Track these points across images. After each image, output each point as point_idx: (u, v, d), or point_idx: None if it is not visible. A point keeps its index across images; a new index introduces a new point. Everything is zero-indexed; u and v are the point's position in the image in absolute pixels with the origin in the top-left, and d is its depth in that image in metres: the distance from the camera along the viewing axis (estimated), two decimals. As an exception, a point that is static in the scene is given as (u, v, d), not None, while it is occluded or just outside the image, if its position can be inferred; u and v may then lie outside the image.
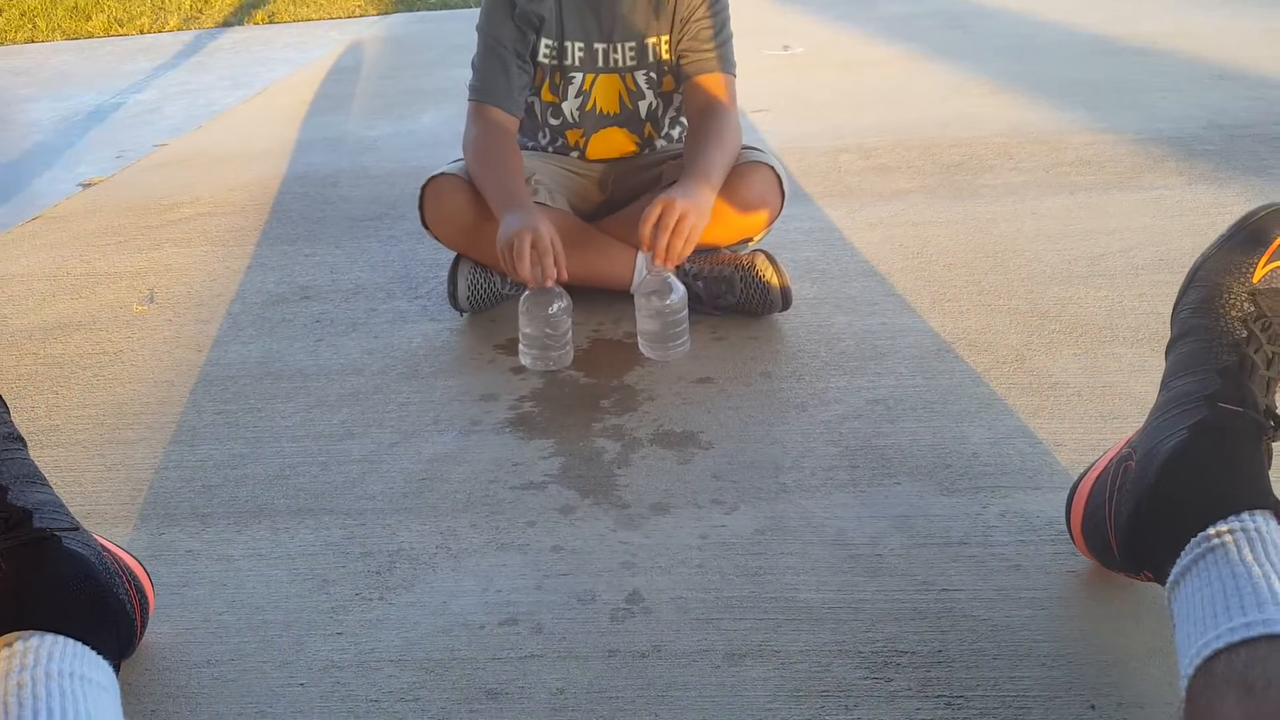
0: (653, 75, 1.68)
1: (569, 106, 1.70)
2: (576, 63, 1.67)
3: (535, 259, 1.43)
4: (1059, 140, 2.42)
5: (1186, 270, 0.96)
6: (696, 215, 1.44)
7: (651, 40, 1.65)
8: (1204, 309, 0.91)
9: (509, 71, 1.64)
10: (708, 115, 1.60)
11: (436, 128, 2.98)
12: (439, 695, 0.91)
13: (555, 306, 1.46)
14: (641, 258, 1.61)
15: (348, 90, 3.67)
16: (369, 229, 2.17)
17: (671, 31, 1.65)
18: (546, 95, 1.70)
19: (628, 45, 1.66)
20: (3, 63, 5.00)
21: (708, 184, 1.51)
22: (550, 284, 1.44)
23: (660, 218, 1.43)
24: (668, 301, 1.47)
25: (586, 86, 1.69)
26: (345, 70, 4.06)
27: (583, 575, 1.06)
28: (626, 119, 1.72)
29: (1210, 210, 1.91)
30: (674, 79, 1.70)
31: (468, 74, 1.69)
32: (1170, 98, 2.71)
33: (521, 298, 1.48)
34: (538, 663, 0.94)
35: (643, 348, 1.52)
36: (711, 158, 1.54)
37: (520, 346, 1.51)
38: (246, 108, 3.54)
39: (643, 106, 1.71)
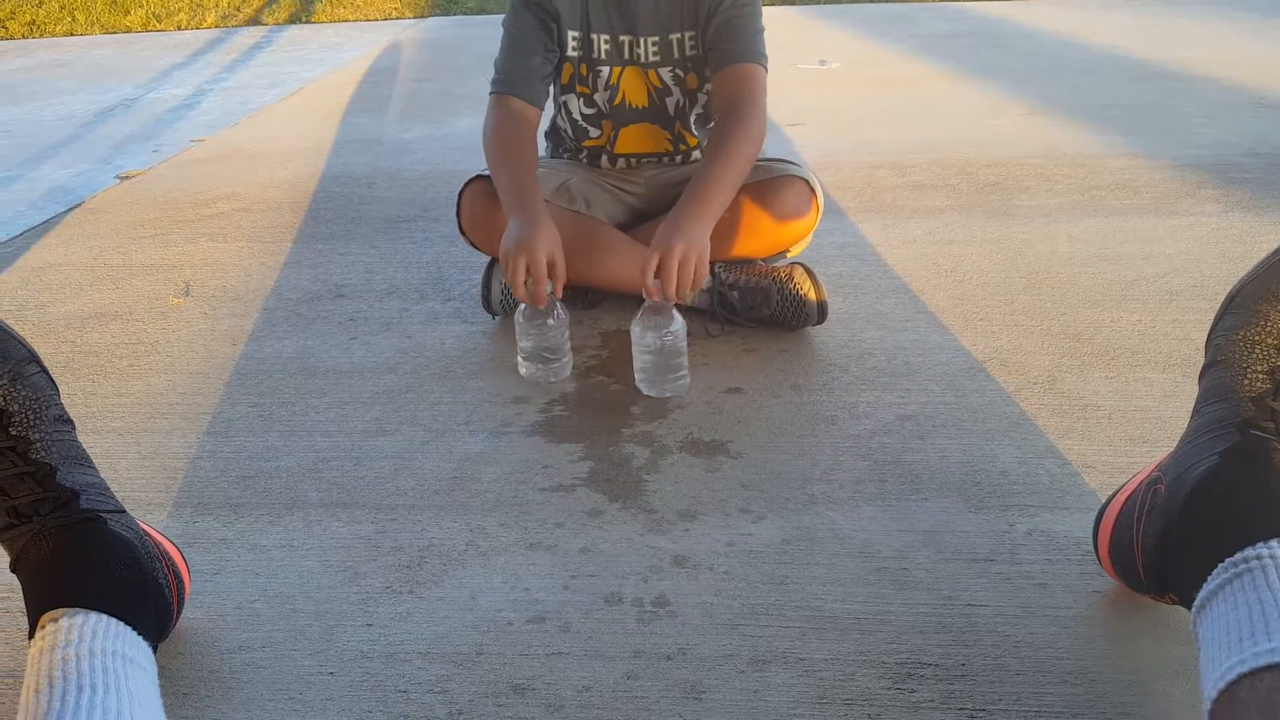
0: (678, 73, 1.67)
1: (600, 98, 1.71)
2: (603, 55, 1.67)
3: (531, 279, 1.42)
4: (1095, 163, 2.41)
5: (1221, 297, 0.96)
6: (697, 254, 1.40)
7: (675, 36, 1.64)
8: (1238, 336, 0.91)
9: (530, 62, 1.63)
10: (728, 118, 1.57)
11: (471, 132, 3.01)
12: (466, 688, 0.92)
13: (548, 321, 1.47)
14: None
15: (384, 92, 3.70)
16: (403, 230, 2.19)
17: (698, 27, 1.63)
18: (580, 89, 1.71)
19: (651, 40, 1.65)
20: (42, 54, 5.07)
21: (707, 211, 1.45)
22: (543, 305, 1.44)
23: (661, 267, 1.39)
24: (666, 334, 1.42)
25: (614, 80, 1.69)
26: (381, 72, 4.10)
27: (610, 577, 1.07)
28: (655, 115, 1.72)
29: (1246, 238, 1.91)
30: (698, 78, 1.68)
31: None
32: (1209, 124, 2.70)
33: (517, 312, 1.48)
34: (564, 660, 0.95)
35: (639, 383, 1.48)
36: (719, 178, 1.48)
37: (518, 359, 1.51)
38: (283, 106, 3.58)
39: (670, 103, 1.70)
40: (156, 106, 3.69)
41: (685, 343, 1.45)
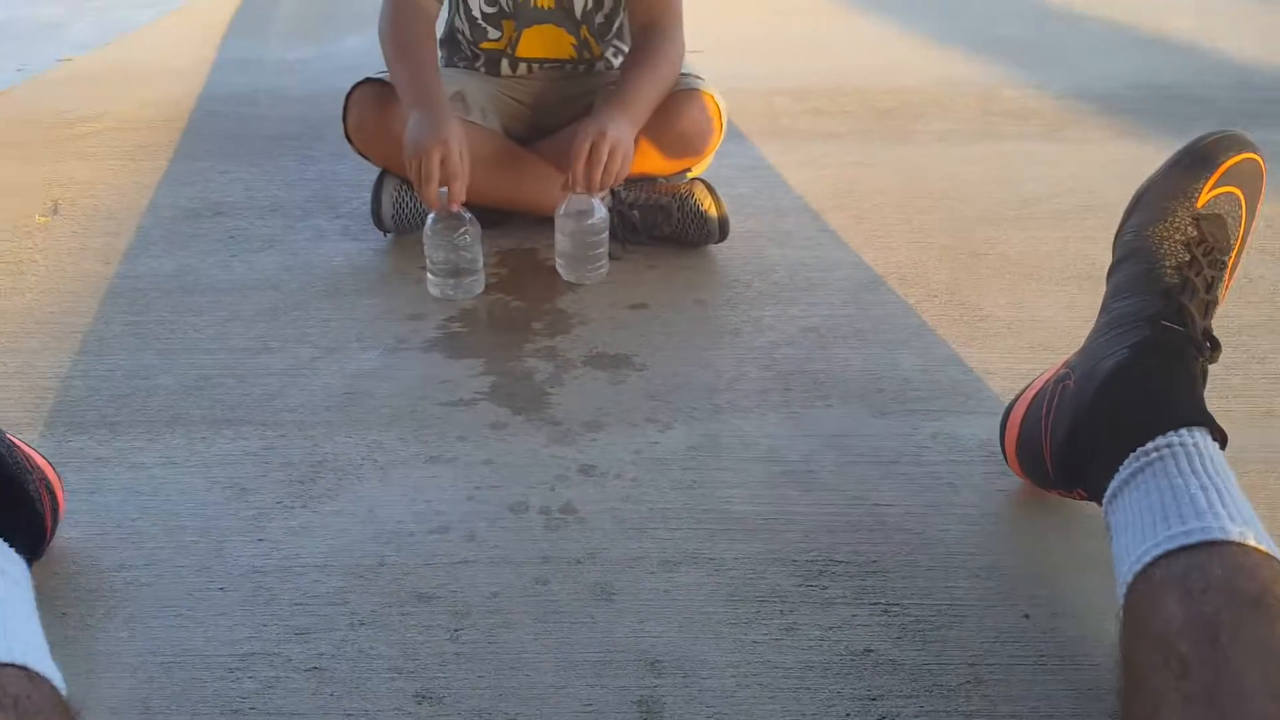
0: None
1: None
2: None
3: (442, 178, 1.36)
4: (990, 92, 2.44)
5: (1112, 215, 0.97)
6: (624, 150, 1.41)
7: None
8: (1148, 232, 0.92)
9: None
10: (649, 36, 1.55)
11: (360, 52, 2.89)
12: (368, 599, 0.89)
13: (464, 231, 1.40)
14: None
15: (266, 12, 3.53)
16: (287, 148, 2.09)
17: None
18: None
19: None
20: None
21: (633, 114, 1.46)
22: (456, 207, 1.38)
23: (591, 152, 1.39)
24: (589, 223, 1.44)
25: None
26: (263, -6, 3.91)
27: (515, 487, 1.04)
28: (561, 17, 1.64)
29: (1132, 162, 1.94)
30: None
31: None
32: (1102, 58, 2.75)
33: (427, 223, 1.41)
34: (470, 568, 0.92)
35: (560, 269, 1.49)
36: (642, 87, 1.49)
37: (428, 276, 1.45)
38: (159, 26, 3.39)
39: (577, 5, 1.63)
40: (21, 25, 3.45)
41: (607, 233, 1.47)
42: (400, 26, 1.52)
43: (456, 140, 1.37)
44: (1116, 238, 0.96)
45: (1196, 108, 2.31)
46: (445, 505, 1.02)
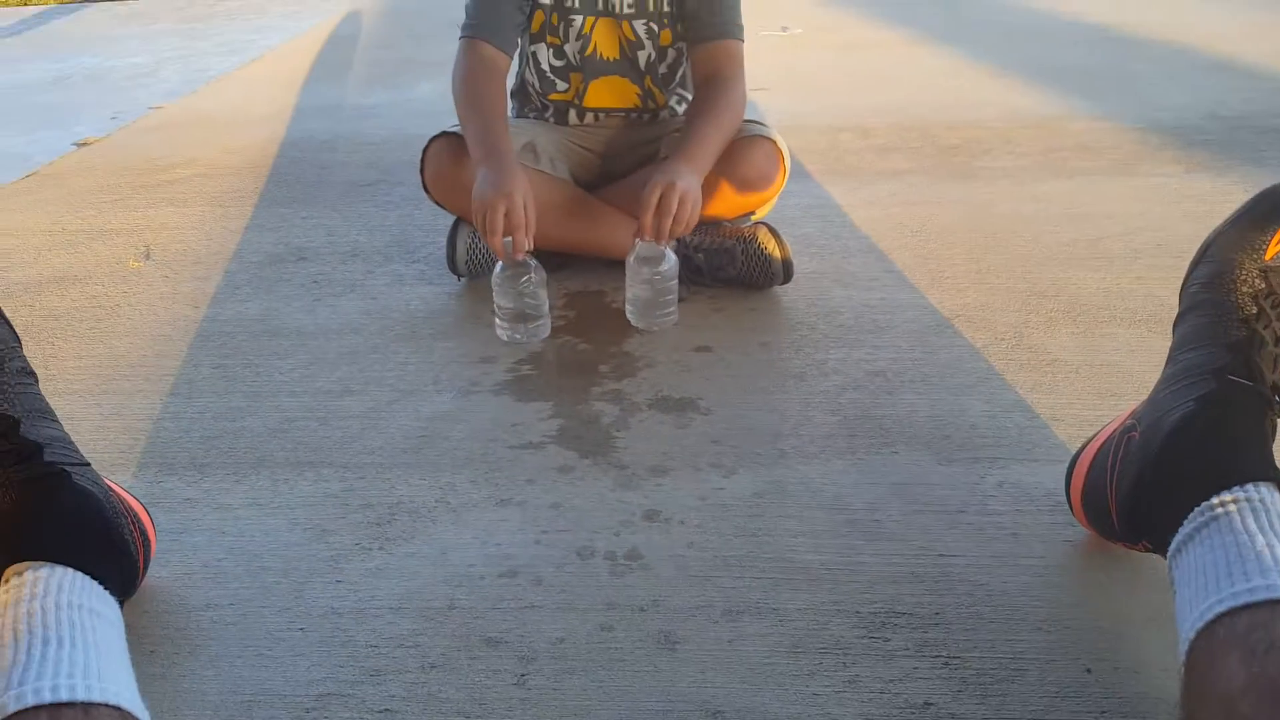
0: (652, 26, 1.66)
1: (570, 49, 1.69)
2: (576, 4, 1.65)
3: (508, 229, 1.40)
4: (1057, 126, 2.43)
5: (1186, 255, 0.96)
6: (693, 199, 1.44)
7: None
8: (1214, 284, 0.91)
9: (503, 7, 1.62)
10: (712, 86, 1.59)
11: (433, 98, 2.97)
12: (439, 642, 0.92)
13: (528, 278, 1.44)
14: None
15: (344, 59, 3.64)
16: (366, 194, 2.16)
17: None
18: (550, 39, 1.69)
19: None
20: (-5, 22, 4.95)
21: (699, 164, 1.49)
22: (521, 256, 1.43)
23: (661, 202, 1.42)
24: (659, 270, 1.47)
25: (586, 29, 1.67)
26: (341, 39, 4.04)
27: (581, 532, 1.07)
28: (626, 68, 1.70)
29: (1208, 198, 1.92)
30: (671, 34, 1.68)
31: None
32: (1169, 87, 2.72)
33: (495, 271, 1.45)
34: (537, 613, 0.95)
35: (630, 316, 1.52)
36: (707, 136, 1.53)
37: (496, 320, 1.49)
38: (242, 74, 3.52)
39: (641, 57, 1.69)
40: (114, 75, 3.61)
41: (677, 280, 1.50)
42: (472, 83, 1.58)
43: (520, 193, 1.41)
44: (1183, 289, 0.96)
45: (1270, 138, 2.27)
46: (514, 548, 1.04)
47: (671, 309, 1.51)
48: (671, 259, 1.47)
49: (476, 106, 1.55)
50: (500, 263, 1.45)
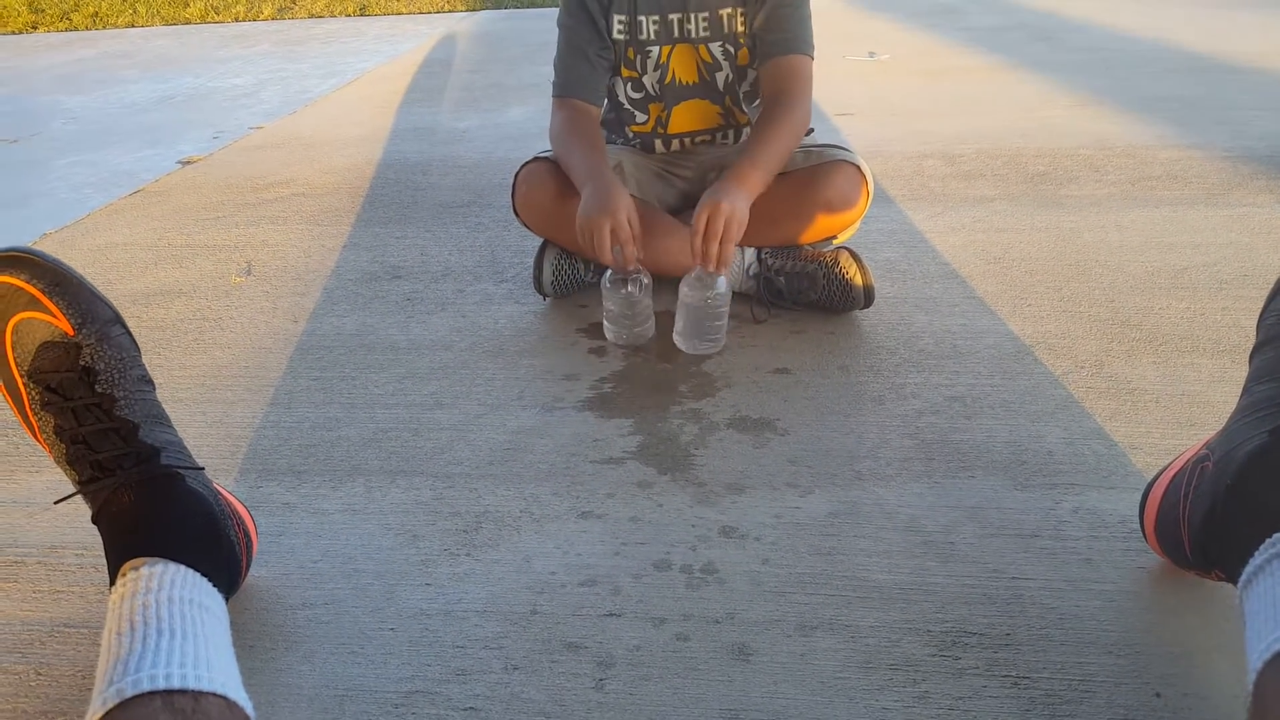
0: (728, 48, 1.70)
1: (649, 80, 1.73)
2: (651, 35, 1.69)
3: (615, 242, 1.47)
4: (1145, 154, 2.40)
5: (1273, 282, 0.96)
6: (738, 221, 1.45)
7: (725, 11, 1.67)
8: (1291, 315, 0.92)
9: (589, 61, 1.68)
10: (775, 104, 1.60)
11: (523, 121, 3.05)
12: (521, 645, 0.96)
13: (634, 286, 1.52)
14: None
15: (437, 83, 3.75)
16: (457, 215, 2.23)
17: (747, 5, 1.66)
18: (625, 72, 1.74)
19: (701, 16, 1.67)
20: (105, 45, 5.19)
21: (748, 185, 1.50)
22: (632, 267, 1.49)
23: (708, 224, 1.44)
24: (708, 295, 1.49)
25: (664, 59, 1.71)
26: (434, 63, 4.15)
27: (659, 545, 1.10)
28: (706, 90, 1.74)
29: (1300, 229, 1.90)
30: (749, 54, 1.71)
31: (551, 71, 1.74)
32: (1262, 116, 2.67)
33: (604, 277, 1.53)
34: (616, 621, 0.98)
35: (675, 337, 1.56)
36: (761, 154, 1.53)
37: (604, 322, 1.57)
38: (339, 96, 3.64)
39: (719, 79, 1.72)
40: (217, 95, 3.77)
41: (727, 308, 1.52)
42: (569, 126, 1.65)
43: (625, 209, 1.47)
44: (1260, 320, 0.96)
45: (1373, 170, 2.22)
46: (594, 559, 1.08)
47: (718, 335, 1.53)
48: (723, 284, 1.49)
49: (577, 143, 1.62)
50: (609, 270, 1.52)
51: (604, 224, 1.45)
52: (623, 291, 1.52)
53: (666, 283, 1.73)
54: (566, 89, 1.69)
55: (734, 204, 1.45)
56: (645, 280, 1.53)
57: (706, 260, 1.46)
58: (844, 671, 0.91)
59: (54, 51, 5.05)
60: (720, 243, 1.44)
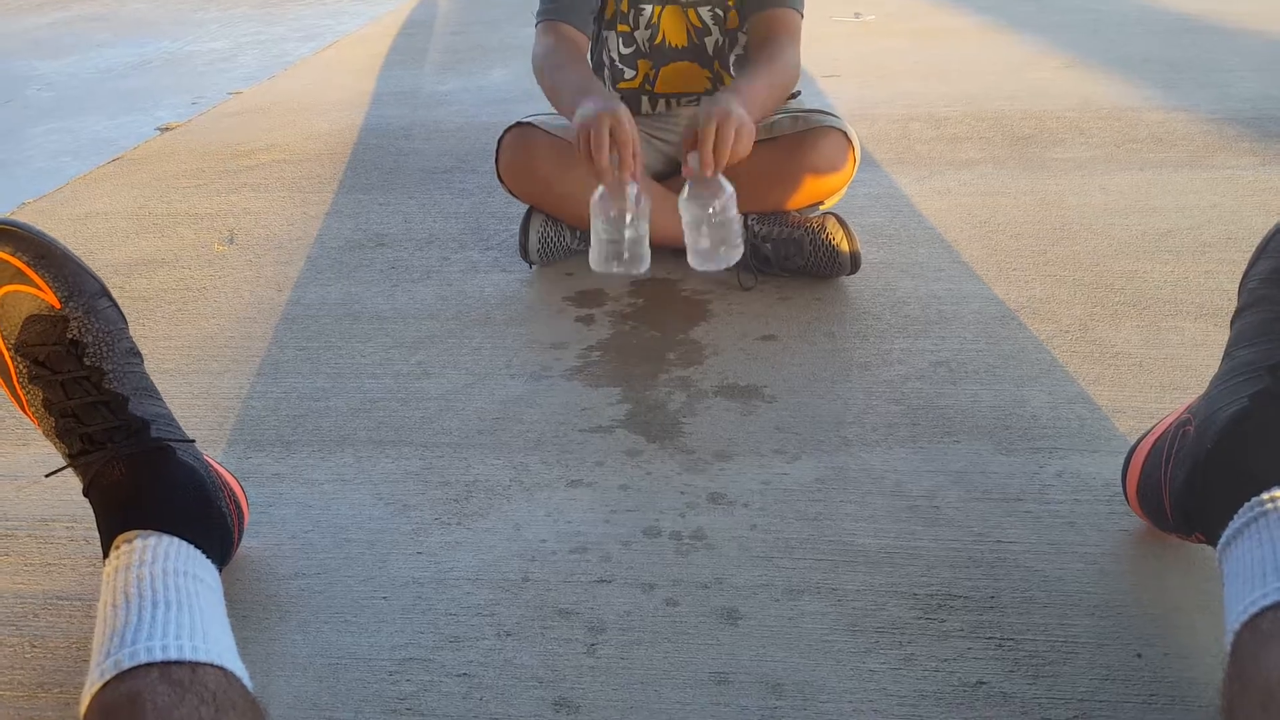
0: (718, 12, 1.69)
1: (640, 36, 1.72)
2: None
3: (613, 147, 1.36)
4: (1131, 116, 2.40)
5: (1256, 245, 0.97)
6: (750, 129, 1.39)
7: None
8: (1273, 280, 0.92)
9: None
10: (763, 48, 1.59)
11: (506, 84, 3.02)
12: (513, 611, 0.97)
13: (632, 203, 1.38)
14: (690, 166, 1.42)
15: (418, 45, 3.71)
16: (441, 181, 2.22)
17: None
18: (620, 26, 1.72)
19: None
20: (79, 8, 5.10)
21: (749, 104, 1.43)
22: (628, 176, 1.37)
23: (719, 131, 1.35)
24: (717, 201, 1.38)
25: (654, 19, 1.70)
26: (415, 25, 4.11)
27: (649, 512, 1.11)
28: (695, 54, 1.73)
29: (1282, 191, 1.91)
30: (739, 16, 1.70)
31: (534, 33, 1.71)
32: (1247, 78, 2.67)
33: (594, 195, 1.39)
34: (607, 587, 1.00)
35: (691, 261, 1.46)
36: (757, 83, 1.49)
37: (591, 252, 1.44)
38: (319, 59, 3.61)
39: (709, 43, 1.72)
40: (194, 60, 3.72)
41: (736, 209, 1.42)
42: (557, 53, 1.61)
43: (626, 114, 1.38)
44: (1242, 284, 0.97)
45: (1355, 132, 2.23)
46: (584, 526, 1.09)
47: (739, 242, 1.43)
48: (729, 189, 1.39)
49: (567, 66, 1.57)
50: (600, 188, 1.40)
51: (605, 120, 1.35)
52: (619, 210, 1.37)
53: (660, 256, 1.72)
54: (557, 13, 1.65)
55: (742, 115, 1.38)
56: (645, 199, 1.39)
57: (719, 166, 1.36)
58: (831, 634, 0.92)
59: (26, 14, 4.97)
60: (723, 148, 1.35)
